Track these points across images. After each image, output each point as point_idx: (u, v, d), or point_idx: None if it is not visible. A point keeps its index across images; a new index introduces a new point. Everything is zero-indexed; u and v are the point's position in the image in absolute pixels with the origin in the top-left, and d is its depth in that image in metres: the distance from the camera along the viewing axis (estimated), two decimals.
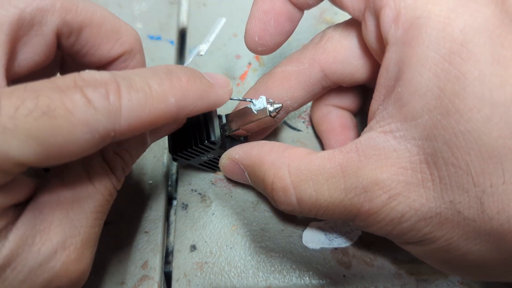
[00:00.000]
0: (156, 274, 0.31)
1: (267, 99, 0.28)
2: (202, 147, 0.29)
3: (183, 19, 0.45)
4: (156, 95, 0.21)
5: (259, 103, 0.28)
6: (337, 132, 0.33)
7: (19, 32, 0.23)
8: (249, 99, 0.28)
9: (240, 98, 0.29)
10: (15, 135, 0.17)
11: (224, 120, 0.31)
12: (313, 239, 0.33)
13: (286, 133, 0.38)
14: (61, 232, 0.22)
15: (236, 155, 0.29)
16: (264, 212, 0.34)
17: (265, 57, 0.42)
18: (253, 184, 0.28)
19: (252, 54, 0.41)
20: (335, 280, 0.31)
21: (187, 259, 0.32)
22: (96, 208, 0.23)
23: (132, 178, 0.35)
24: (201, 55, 0.30)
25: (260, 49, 0.29)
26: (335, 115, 0.33)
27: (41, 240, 0.21)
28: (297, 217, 0.34)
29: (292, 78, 0.29)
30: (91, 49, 0.26)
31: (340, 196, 0.23)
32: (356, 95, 0.33)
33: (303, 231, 0.33)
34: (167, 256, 0.33)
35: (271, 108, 0.27)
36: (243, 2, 0.44)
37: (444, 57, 0.19)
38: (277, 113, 0.28)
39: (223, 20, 0.29)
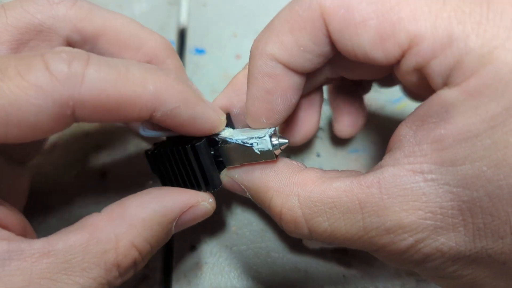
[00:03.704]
0: (156, 274, 0.31)
1: (271, 136, 0.24)
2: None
3: (183, 20, 0.45)
4: (132, 77, 0.20)
5: (262, 145, 0.24)
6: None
7: (26, 36, 0.23)
8: (249, 144, 0.24)
9: (238, 142, 0.24)
10: None
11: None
12: None
13: None
14: None
15: (235, 174, 0.25)
16: (264, 212, 0.34)
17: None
18: (257, 204, 0.26)
19: None
20: (335, 280, 0.31)
21: (187, 259, 0.32)
22: None
23: (132, 178, 0.35)
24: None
25: (269, 126, 0.25)
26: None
27: None
28: None
29: None
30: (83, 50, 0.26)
31: (358, 233, 0.21)
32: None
33: None
34: (167, 256, 0.33)
35: (277, 152, 0.24)
36: (243, 2, 0.44)
37: (506, 109, 0.18)
38: (282, 150, 0.24)
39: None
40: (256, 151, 0.24)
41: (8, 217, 0.21)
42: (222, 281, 0.31)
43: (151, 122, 0.23)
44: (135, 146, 0.36)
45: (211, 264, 0.32)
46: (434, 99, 0.20)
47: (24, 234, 0.22)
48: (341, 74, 0.27)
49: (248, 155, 0.24)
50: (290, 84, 0.23)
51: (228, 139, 0.24)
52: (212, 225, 0.33)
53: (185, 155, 0.24)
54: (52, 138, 0.35)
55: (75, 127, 0.36)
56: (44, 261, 0.19)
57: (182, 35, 0.45)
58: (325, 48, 0.22)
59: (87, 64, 0.19)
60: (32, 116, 0.18)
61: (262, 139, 0.23)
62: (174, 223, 0.23)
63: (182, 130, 0.23)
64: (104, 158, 0.35)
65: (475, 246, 0.19)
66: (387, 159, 0.22)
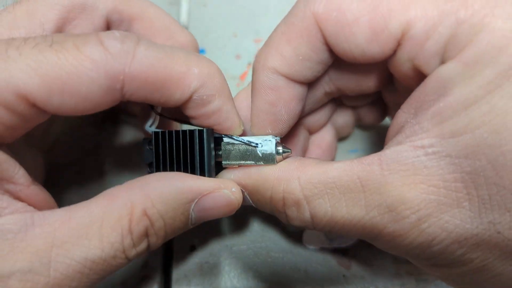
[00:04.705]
0: (156, 274, 0.31)
1: (276, 143, 0.24)
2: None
3: (183, 20, 0.45)
4: (178, 58, 0.21)
5: (267, 147, 0.24)
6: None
7: (70, 14, 0.24)
8: (255, 144, 0.24)
9: (244, 141, 0.25)
10: (17, 64, 0.18)
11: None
12: (313, 239, 0.33)
13: None
14: (30, 261, 0.19)
15: (231, 175, 0.25)
16: (264, 212, 0.34)
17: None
18: (256, 204, 0.25)
19: (252, 54, 0.41)
20: (335, 280, 0.31)
21: (187, 259, 0.32)
22: (87, 262, 0.20)
23: (132, 178, 0.35)
24: None
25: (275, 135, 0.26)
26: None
27: (7, 255, 0.19)
28: None
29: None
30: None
31: (359, 213, 0.21)
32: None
33: (303, 231, 0.33)
34: (167, 256, 0.33)
35: (278, 158, 0.24)
36: (243, 2, 0.44)
37: (501, 73, 0.18)
38: (283, 158, 0.24)
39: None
40: (258, 152, 0.24)
41: (34, 195, 0.22)
42: (222, 281, 0.31)
43: (181, 108, 0.24)
44: (135, 146, 0.36)
45: (211, 264, 0.32)
46: (430, 78, 0.20)
47: (46, 208, 0.22)
48: (339, 86, 0.27)
49: (248, 156, 0.25)
50: (293, 95, 0.24)
51: (234, 137, 0.25)
52: (212, 225, 0.33)
53: (190, 138, 0.25)
54: (52, 138, 0.35)
55: (75, 127, 0.36)
56: (65, 227, 0.20)
57: None
58: (324, 55, 0.23)
59: (138, 43, 0.20)
60: (86, 88, 0.19)
61: (267, 141, 0.24)
62: (193, 205, 0.23)
63: (205, 122, 0.24)
64: (104, 158, 0.35)
65: (482, 221, 0.19)
66: (388, 144, 0.21)
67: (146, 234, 0.22)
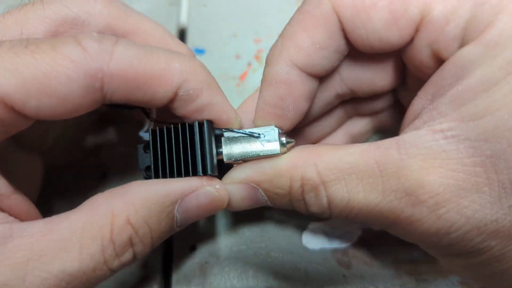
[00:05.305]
0: (156, 274, 0.31)
1: (279, 132, 0.24)
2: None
3: (183, 20, 0.45)
4: (158, 56, 0.21)
5: (269, 136, 0.24)
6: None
7: (60, 28, 0.23)
8: (257, 134, 0.24)
9: (246, 133, 0.24)
10: None
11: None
12: (313, 239, 0.33)
13: None
14: (6, 275, 0.18)
15: (242, 174, 0.24)
16: (264, 212, 0.34)
17: (265, 57, 0.42)
18: (273, 199, 0.24)
19: (252, 54, 0.41)
20: (335, 280, 0.31)
21: (187, 259, 0.32)
22: (64, 275, 0.19)
23: (132, 178, 0.35)
24: None
25: None
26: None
27: None
28: (297, 217, 0.33)
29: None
30: None
31: (376, 198, 0.20)
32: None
33: (303, 231, 0.33)
34: (167, 256, 0.33)
35: (282, 148, 0.23)
36: (243, 2, 0.44)
37: None
38: (287, 149, 0.24)
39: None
40: (261, 143, 0.24)
41: (16, 205, 0.22)
42: (222, 281, 0.31)
43: (171, 110, 0.23)
44: (135, 146, 0.36)
45: (211, 264, 0.32)
46: (449, 62, 0.20)
47: (28, 219, 0.22)
48: (351, 86, 0.27)
49: (251, 149, 0.24)
50: (303, 91, 0.24)
51: (235, 130, 0.24)
52: (212, 225, 0.33)
53: (190, 132, 0.24)
54: (52, 139, 0.35)
55: (75, 127, 0.36)
56: (45, 239, 0.19)
57: (182, 35, 0.45)
58: (340, 42, 0.22)
59: (116, 43, 0.20)
60: (64, 88, 0.19)
61: (270, 131, 0.24)
62: (177, 207, 0.22)
63: (199, 117, 0.24)
64: (104, 158, 0.35)
65: (502, 207, 0.18)
66: (405, 130, 0.21)
67: (130, 243, 0.21)
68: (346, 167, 0.21)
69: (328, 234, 0.33)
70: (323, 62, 0.23)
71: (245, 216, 0.34)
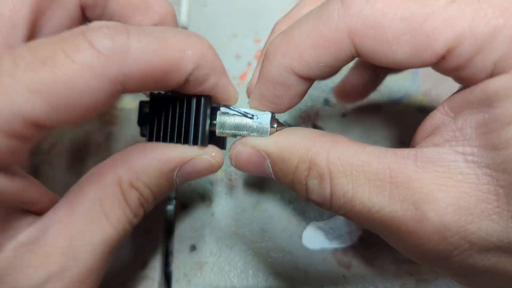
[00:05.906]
0: (156, 274, 0.31)
1: (272, 118, 0.25)
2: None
3: (183, 20, 0.45)
4: (171, 44, 0.21)
5: (262, 119, 0.25)
6: None
7: (42, 5, 0.23)
8: (251, 115, 0.25)
9: (241, 111, 0.25)
10: (16, 91, 0.17)
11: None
12: (313, 239, 0.33)
13: None
14: (60, 261, 0.20)
15: (257, 140, 0.24)
16: (264, 212, 0.34)
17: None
18: (277, 174, 0.24)
19: (252, 54, 0.41)
20: (335, 280, 0.31)
21: (187, 259, 0.32)
22: (105, 241, 0.22)
23: None
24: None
25: None
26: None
27: (37, 264, 0.20)
28: (297, 217, 0.34)
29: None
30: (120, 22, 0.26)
31: (380, 203, 0.20)
32: None
33: (303, 231, 0.33)
34: (167, 256, 0.33)
35: (272, 130, 0.25)
36: (243, 2, 0.44)
37: None
38: (277, 131, 0.25)
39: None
40: (253, 124, 0.25)
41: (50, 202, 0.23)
42: (222, 281, 0.31)
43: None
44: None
45: (211, 264, 0.32)
46: (477, 88, 0.20)
47: (51, 204, 0.23)
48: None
49: (243, 127, 0.25)
50: (300, 91, 0.24)
51: (230, 108, 0.25)
52: (212, 225, 0.33)
53: (188, 105, 0.25)
54: (52, 138, 0.35)
55: (75, 128, 0.36)
56: (73, 218, 0.21)
57: None
58: (348, 61, 0.22)
59: (128, 36, 0.19)
60: (89, 96, 0.18)
61: (263, 115, 0.25)
62: (176, 173, 0.24)
63: (201, 93, 0.24)
64: (104, 158, 0.35)
65: (508, 236, 0.18)
66: (423, 144, 0.21)
67: (139, 202, 0.23)
68: (358, 163, 0.21)
69: (328, 234, 0.33)
70: (323, 75, 0.23)
71: (245, 216, 0.34)
